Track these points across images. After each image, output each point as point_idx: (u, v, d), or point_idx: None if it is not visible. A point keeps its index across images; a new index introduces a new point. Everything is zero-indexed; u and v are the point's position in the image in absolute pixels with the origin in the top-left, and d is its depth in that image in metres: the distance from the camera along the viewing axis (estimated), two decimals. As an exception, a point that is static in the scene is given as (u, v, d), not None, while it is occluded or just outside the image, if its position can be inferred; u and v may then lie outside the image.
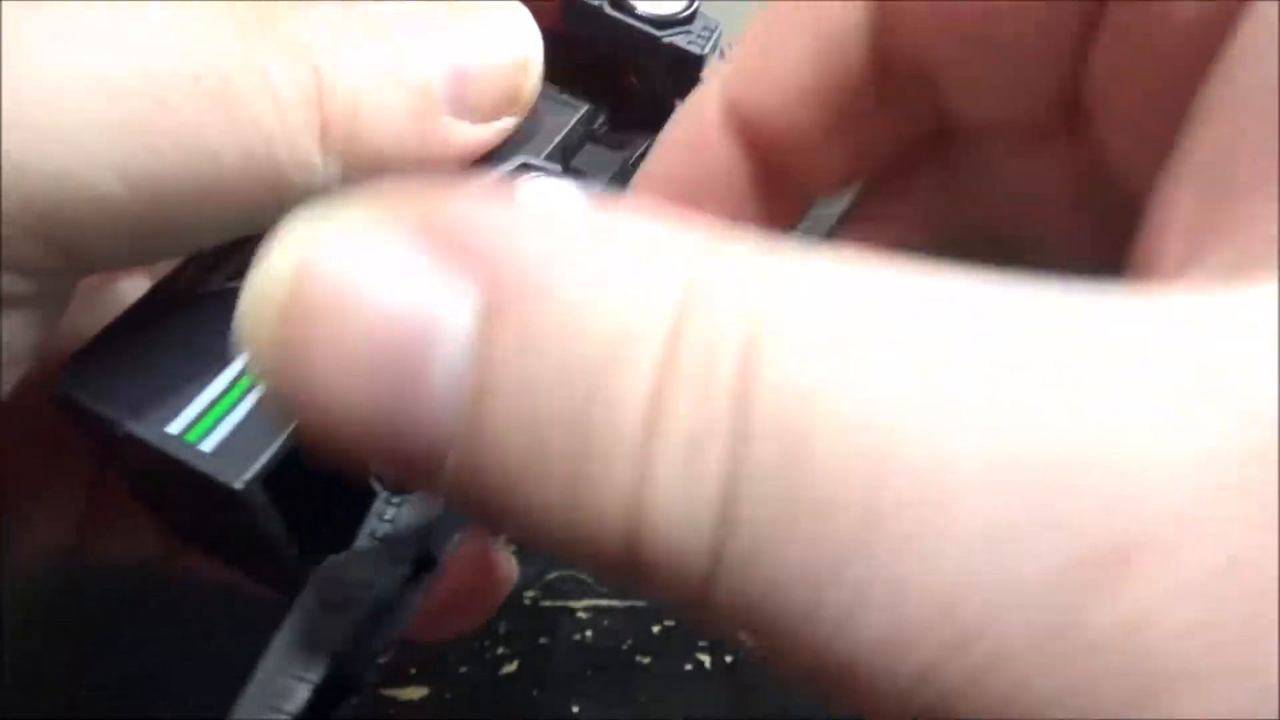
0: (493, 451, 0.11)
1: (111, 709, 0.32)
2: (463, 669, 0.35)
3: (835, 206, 0.24)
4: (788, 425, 0.10)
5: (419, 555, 0.19)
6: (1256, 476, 0.09)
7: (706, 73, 0.23)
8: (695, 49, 0.23)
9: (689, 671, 0.36)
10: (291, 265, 0.11)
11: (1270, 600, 0.09)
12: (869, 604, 0.10)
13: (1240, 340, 0.10)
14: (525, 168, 0.21)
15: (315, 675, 0.17)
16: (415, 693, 0.35)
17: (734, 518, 0.10)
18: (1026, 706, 0.09)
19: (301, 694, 0.17)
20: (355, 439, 0.11)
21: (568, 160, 0.23)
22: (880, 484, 0.10)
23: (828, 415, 0.10)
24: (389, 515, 0.19)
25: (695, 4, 0.24)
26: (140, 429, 0.19)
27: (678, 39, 0.23)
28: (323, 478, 0.19)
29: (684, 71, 0.23)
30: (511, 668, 0.35)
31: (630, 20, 0.24)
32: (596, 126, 0.24)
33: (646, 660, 0.36)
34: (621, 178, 0.24)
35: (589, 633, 0.36)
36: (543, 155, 0.22)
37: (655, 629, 0.36)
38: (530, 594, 0.37)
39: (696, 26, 0.24)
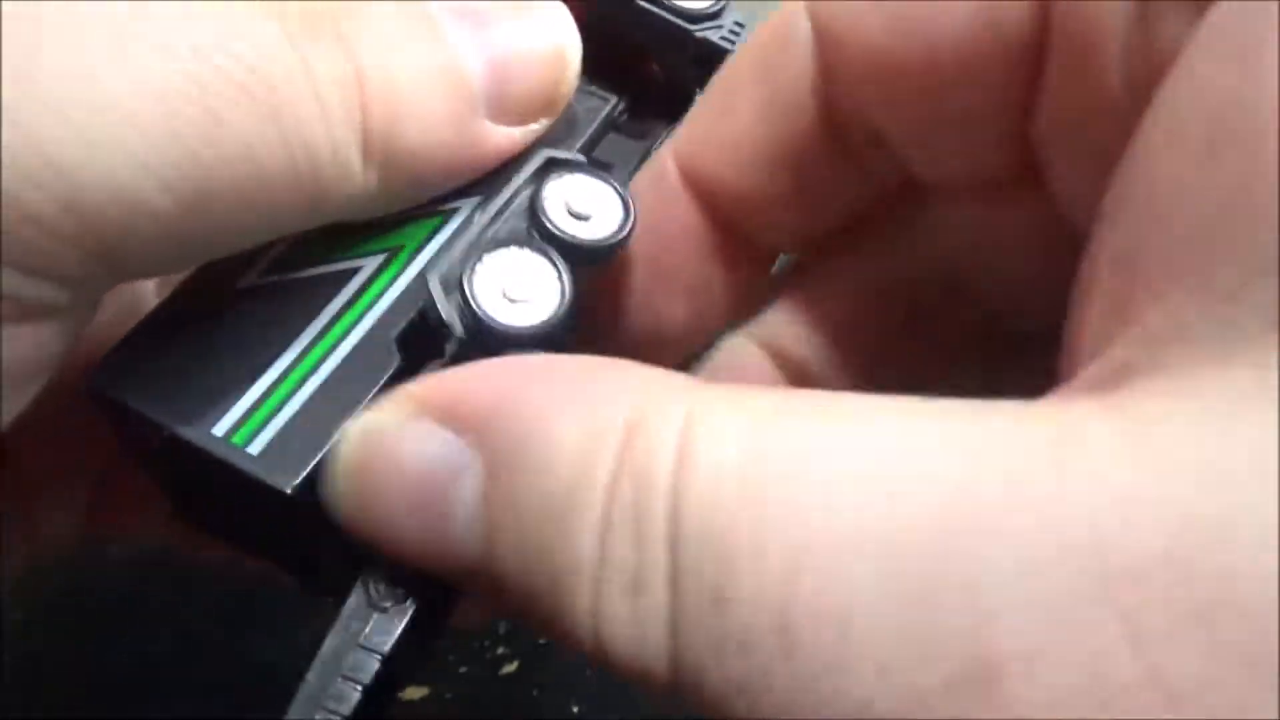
0: (503, 571, 0.14)
1: (111, 709, 0.32)
2: (463, 669, 0.35)
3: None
4: (712, 570, 0.12)
5: None
6: (1100, 594, 0.11)
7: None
8: (726, 44, 0.24)
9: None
10: (358, 441, 0.17)
11: (1131, 700, 0.10)
12: None
13: (1088, 468, 0.11)
14: (552, 164, 0.21)
15: (366, 676, 0.17)
16: (415, 693, 0.35)
17: (681, 648, 0.12)
18: None
19: (353, 696, 0.17)
20: (407, 557, 0.16)
21: (590, 151, 0.23)
22: (787, 623, 0.12)
23: (742, 560, 0.12)
24: None
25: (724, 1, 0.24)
26: (186, 431, 0.19)
27: (710, 33, 0.24)
28: None
29: (711, 66, 0.23)
30: (511, 668, 0.35)
31: (663, 12, 0.24)
32: (617, 115, 0.25)
33: (646, 660, 0.36)
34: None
35: (589, 633, 0.36)
36: (575, 149, 0.22)
37: (654, 629, 0.37)
38: (530, 594, 0.37)
39: (726, 21, 0.24)
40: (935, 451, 0.12)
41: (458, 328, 0.19)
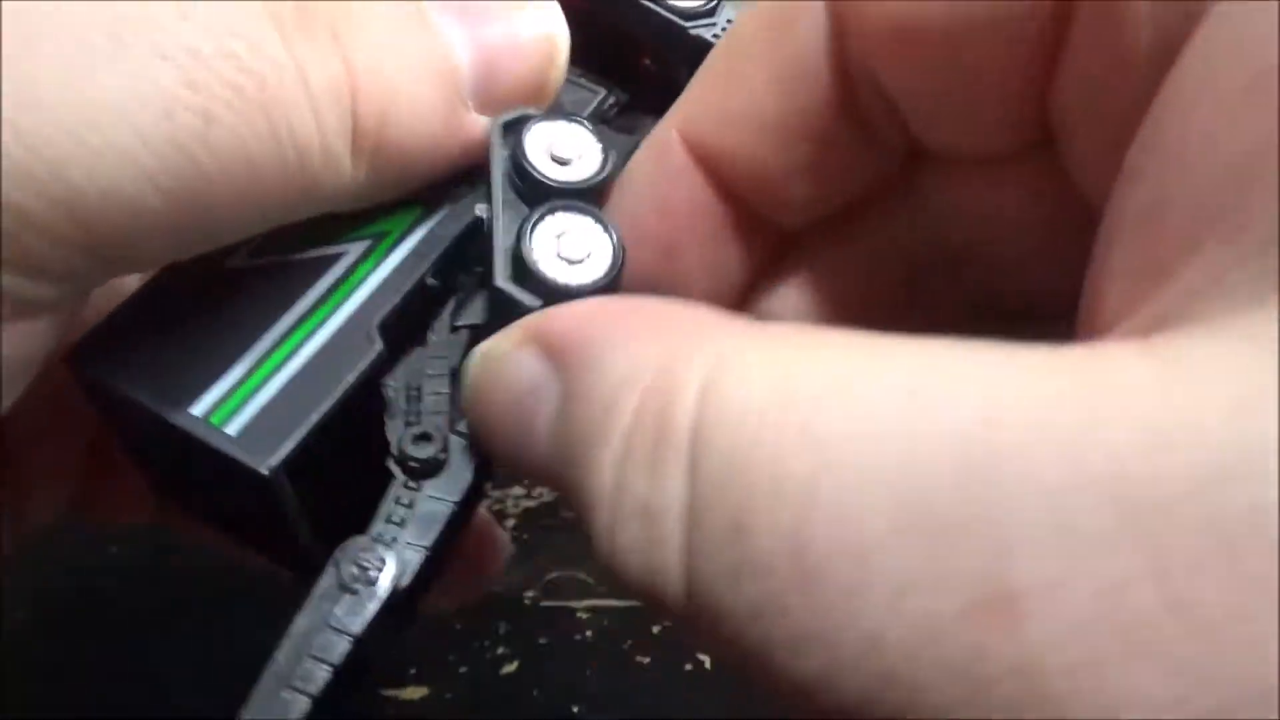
0: (564, 487, 0.16)
1: (111, 709, 0.32)
2: (463, 669, 0.35)
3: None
4: (733, 500, 0.12)
5: (435, 540, 0.19)
6: (1123, 525, 0.10)
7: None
8: (719, 42, 0.24)
9: (689, 671, 0.36)
10: (479, 362, 0.18)
11: (1150, 629, 0.10)
12: (806, 648, 0.12)
13: (1133, 400, 0.11)
14: (524, 118, 0.21)
15: (335, 657, 0.17)
16: (415, 693, 0.35)
17: (696, 573, 0.13)
18: None
19: (322, 675, 0.17)
20: (502, 459, 0.18)
21: None
22: (804, 548, 0.12)
23: (761, 490, 0.12)
24: (406, 500, 0.19)
25: None
26: (165, 409, 0.19)
27: (703, 30, 0.24)
28: (339, 462, 0.20)
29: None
30: (511, 668, 0.35)
31: (657, 8, 0.24)
32: (607, 108, 0.25)
33: (646, 660, 0.36)
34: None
35: (589, 633, 0.36)
36: None
37: (655, 629, 0.36)
38: (530, 594, 0.37)
39: (720, 19, 0.24)
40: (959, 384, 0.12)
41: (536, 302, 0.19)
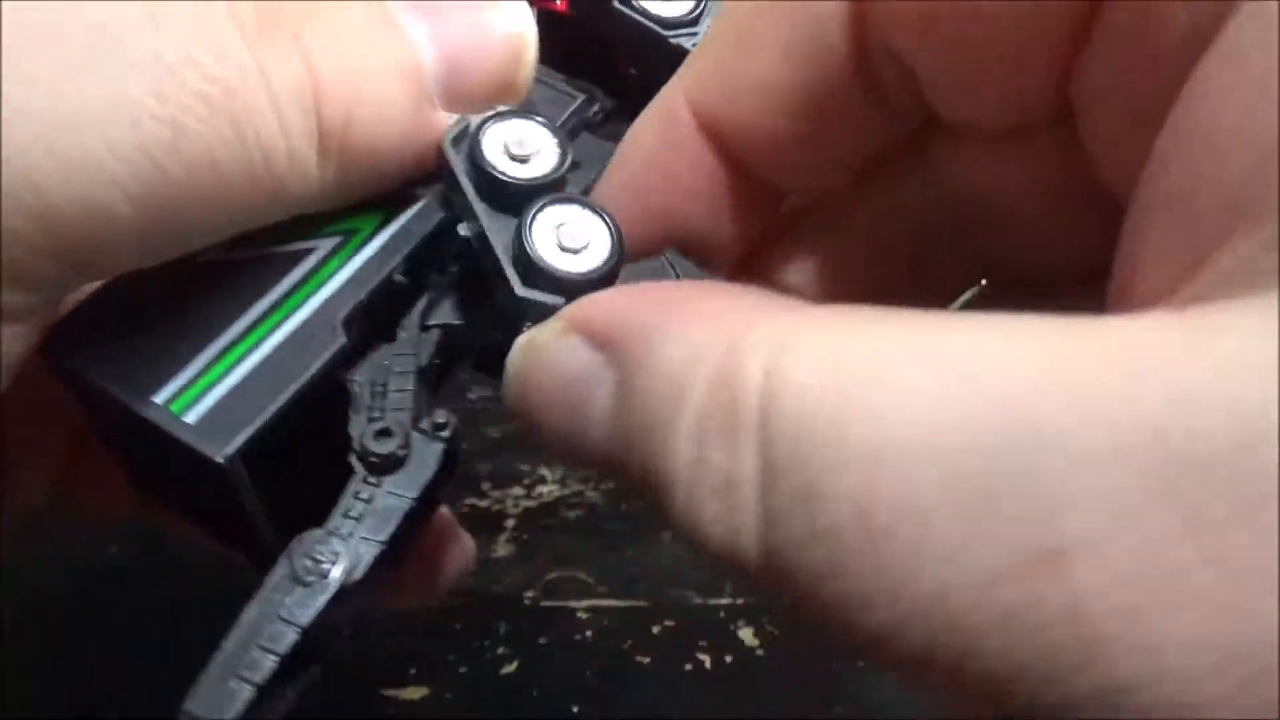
0: (626, 473, 0.16)
1: (111, 709, 0.32)
2: (463, 669, 0.35)
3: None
4: (802, 470, 0.13)
5: (390, 535, 0.19)
6: (1162, 484, 0.11)
7: None
8: None
9: (689, 671, 0.35)
10: (521, 352, 0.18)
11: (1189, 580, 0.11)
12: (875, 602, 0.13)
13: (1180, 369, 0.12)
14: (497, 115, 0.21)
15: (282, 647, 0.17)
16: (415, 693, 0.35)
17: (772, 538, 0.14)
18: (1008, 675, 0.12)
19: (268, 665, 0.17)
20: (554, 448, 0.18)
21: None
22: (870, 511, 0.13)
23: (828, 462, 0.13)
24: (365, 495, 0.19)
25: (702, 6, 0.24)
26: (126, 396, 0.19)
27: (684, 39, 0.24)
28: (301, 455, 0.20)
29: None
30: (511, 668, 0.35)
31: (638, 17, 0.24)
32: (592, 114, 0.24)
33: (646, 660, 0.36)
34: None
35: (589, 633, 0.36)
36: None
37: (655, 629, 0.36)
38: (530, 594, 0.37)
39: (701, 29, 0.24)
40: (1004, 356, 0.13)
41: (559, 301, 0.19)
